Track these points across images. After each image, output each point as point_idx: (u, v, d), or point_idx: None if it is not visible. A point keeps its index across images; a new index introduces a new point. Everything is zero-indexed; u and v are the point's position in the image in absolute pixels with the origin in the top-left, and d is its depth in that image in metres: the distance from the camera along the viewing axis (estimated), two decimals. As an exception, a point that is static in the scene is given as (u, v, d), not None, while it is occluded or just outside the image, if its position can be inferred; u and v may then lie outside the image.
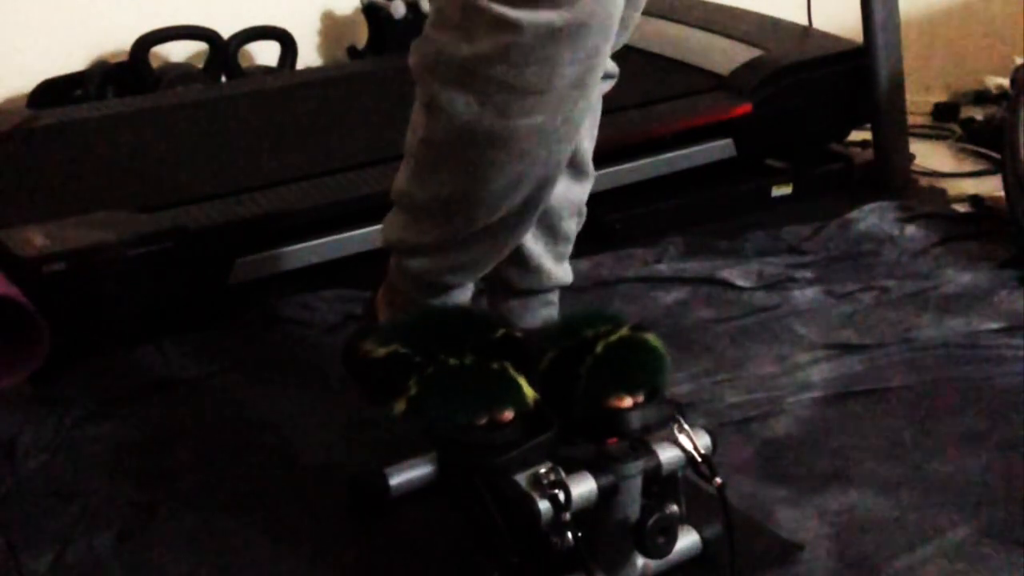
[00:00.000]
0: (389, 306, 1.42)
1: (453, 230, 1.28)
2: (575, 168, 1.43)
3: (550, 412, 1.25)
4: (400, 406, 1.22)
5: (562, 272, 1.51)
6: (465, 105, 1.17)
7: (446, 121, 1.20)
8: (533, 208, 1.28)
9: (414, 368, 1.23)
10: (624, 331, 1.29)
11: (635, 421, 1.23)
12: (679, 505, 1.20)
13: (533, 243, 1.46)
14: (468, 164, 1.21)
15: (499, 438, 1.20)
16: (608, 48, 1.19)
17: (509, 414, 1.22)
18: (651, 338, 1.30)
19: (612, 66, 1.40)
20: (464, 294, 1.40)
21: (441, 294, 1.37)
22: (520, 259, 1.45)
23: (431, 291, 1.36)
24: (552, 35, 1.12)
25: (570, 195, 1.45)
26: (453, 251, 1.32)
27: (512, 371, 1.23)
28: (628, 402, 1.25)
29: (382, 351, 1.27)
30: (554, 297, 1.52)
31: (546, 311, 1.51)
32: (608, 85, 1.43)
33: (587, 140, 1.44)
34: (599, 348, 1.26)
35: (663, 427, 1.22)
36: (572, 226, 1.48)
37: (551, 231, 1.46)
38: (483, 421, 1.22)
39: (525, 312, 1.50)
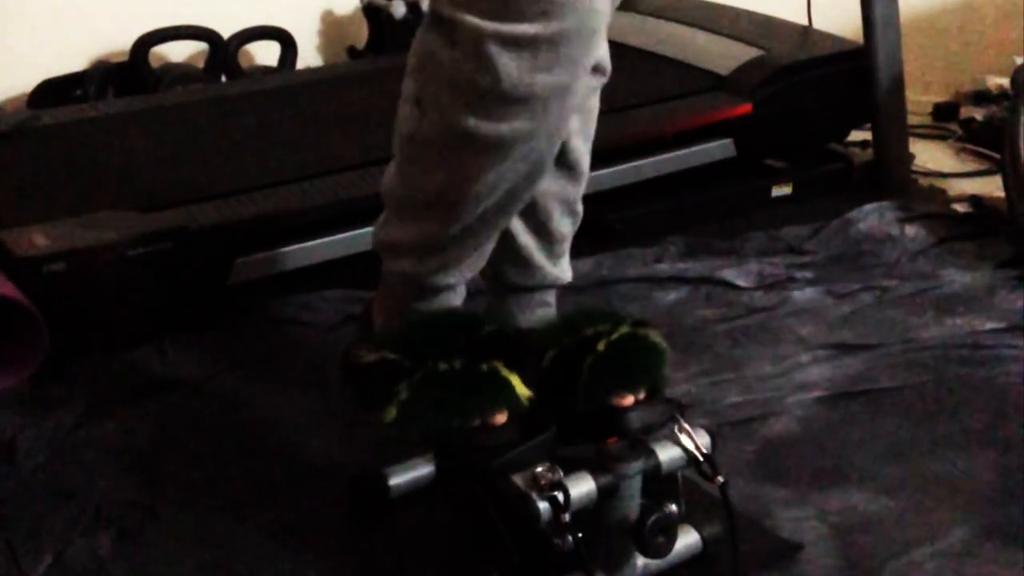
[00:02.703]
0: (383, 311, 1.42)
1: (435, 227, 1.28)
2: (567, 167, 1.43)
3: (546, 412, 1.24)
4: (391, 413, 1.22)
5: (559, 271, 1.50)
6: (450, 106, 1.17)
7: (432, 119, 1.20)
8: (513, 205, 1.28)
9: (403, 374, 1.23)
10: (625, 328, 1.28)
11: (636, 420, 1.23)
12: (679, 505, 1.20)
13: (527, 240, 1.45)
14: (451, 162, 1.21)
15: (494, 440, 1.20)
16: (590, 58, 1.18)
17: (502, 416, 1.22)
18: (652, 334, 1.29)
19: (605, 63, 1.38)
20: (454, 298, 1.39)
21: (431, 297, 1.36)
22: (516, 256, 1.46)
23: (421, 294, 1.36)
24: (530, 46, 1.12)
25: (562, 194, 1.45)
26: (436, 248, 1.31)
27: (504, 371, 1.23)
28: (630, 400, 1.25)
29: (371, 357, 1.27)
30: (551, 297, 1.52)
31: (543, 311, 1.50)
32: (598, 82, 1.41)
33: (580, 139, 1.43)
34: (601, 346, 1.26)
35: (664, 425, 1.22)
36: (566, 225, 1.48)
37: (542, 230, 1.46)
38: (476, 424, 1.22)
39: (522, 311, 1.49)
